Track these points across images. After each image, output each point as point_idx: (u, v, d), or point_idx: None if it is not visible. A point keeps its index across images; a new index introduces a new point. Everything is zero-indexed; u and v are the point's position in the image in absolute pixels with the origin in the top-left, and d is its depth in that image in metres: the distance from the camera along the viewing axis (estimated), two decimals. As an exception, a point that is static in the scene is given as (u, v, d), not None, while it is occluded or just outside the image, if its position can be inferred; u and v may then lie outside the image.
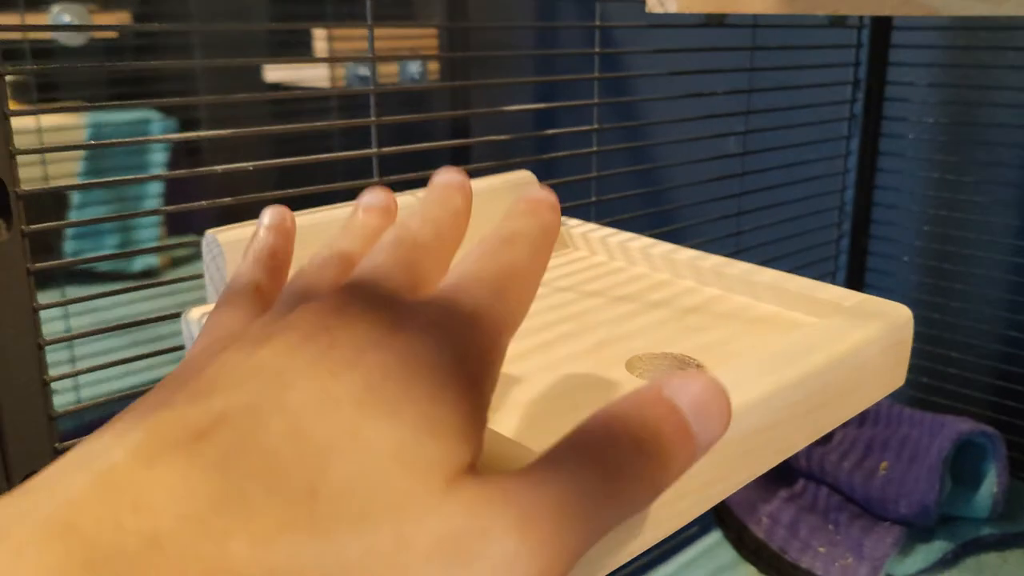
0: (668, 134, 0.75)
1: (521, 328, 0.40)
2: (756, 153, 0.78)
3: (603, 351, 0.39)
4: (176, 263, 1.73)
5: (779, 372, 0.34)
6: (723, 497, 0.33)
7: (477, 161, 0.58)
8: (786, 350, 0.36)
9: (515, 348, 0.39)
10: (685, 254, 0.49)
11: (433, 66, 1.26)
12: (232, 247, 0.42)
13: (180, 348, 0.44)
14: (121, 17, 1.65)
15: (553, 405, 0.35)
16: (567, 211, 0.60)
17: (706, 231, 0.77)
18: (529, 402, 0.35)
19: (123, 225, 1.64)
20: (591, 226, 0.55)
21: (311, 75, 1.25)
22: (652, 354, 0.39)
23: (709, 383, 0.22)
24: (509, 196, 0.53)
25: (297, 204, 0.45)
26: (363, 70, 1.22)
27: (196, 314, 0.41)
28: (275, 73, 1.28)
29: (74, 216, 1.57)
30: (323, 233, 0.45)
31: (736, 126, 0.76)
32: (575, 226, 0.55)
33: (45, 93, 1.78)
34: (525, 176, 0.55)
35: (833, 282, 0.93)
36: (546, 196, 0.27)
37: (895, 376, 0.42)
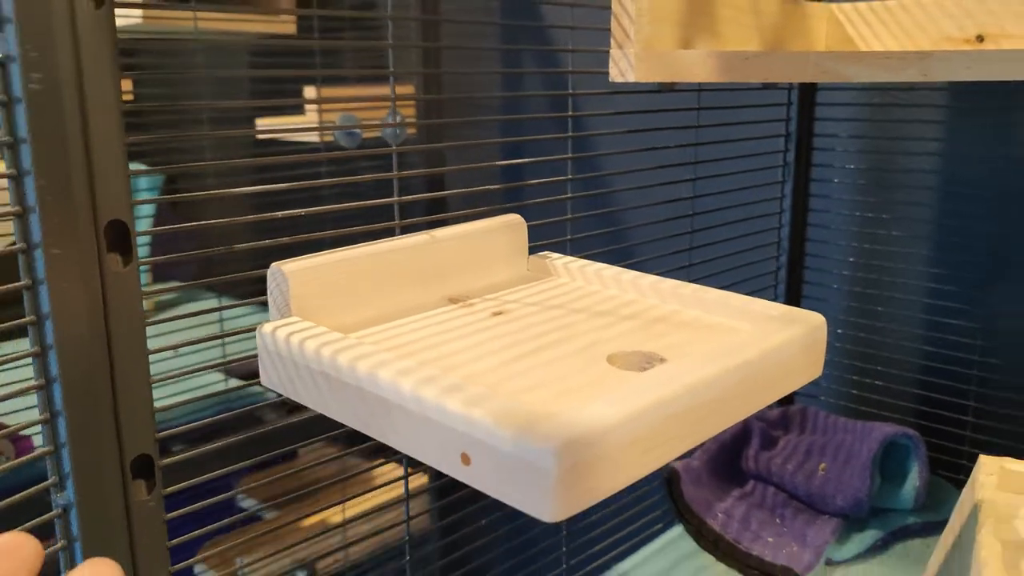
0: (629, 182, 0.88)
1: (520, 332, 0.52)
2: (704, 196, 0.91)
3: (589, 351, 0.51)
4: (159, 307, 1.81)
5: (722, 362, 0.46)
6: (683, 452, 0.45)
7: (452, 209, 0.69)
8: (728, 346, 0.48)
9: (518, 350, 0.51)
10: (648, 279, 0.61)
11: (410, 126, 1.38)
12: (295, 275, 0.53)
13: (253, 355, 0.55)
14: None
15: (554, 386, 0.46)
16: (548, 247, 0.72)
17: (663, 264, 0.89)
18: (535, 385, 0.46)
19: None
20: (570, 258, 0.67)
21: (299, 133, 1.37)
22: (627, 352, 0.51)
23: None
24: (502, 237, 0.65)
25: (283, 253, 0.56)
26: (348, 124, 1.33)
27: (269, 328, 0.52)
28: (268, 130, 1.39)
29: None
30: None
31: (686, 174, 0.89)
32: (557, 259, 0.67)
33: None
34: (515, 219, 0.67)
35: (774, 308, 1.06)
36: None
37: (812, 368, 0.54)
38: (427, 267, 0.60)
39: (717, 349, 0.48)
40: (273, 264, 0.54)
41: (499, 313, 0.57)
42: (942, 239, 0.99)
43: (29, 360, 0.45)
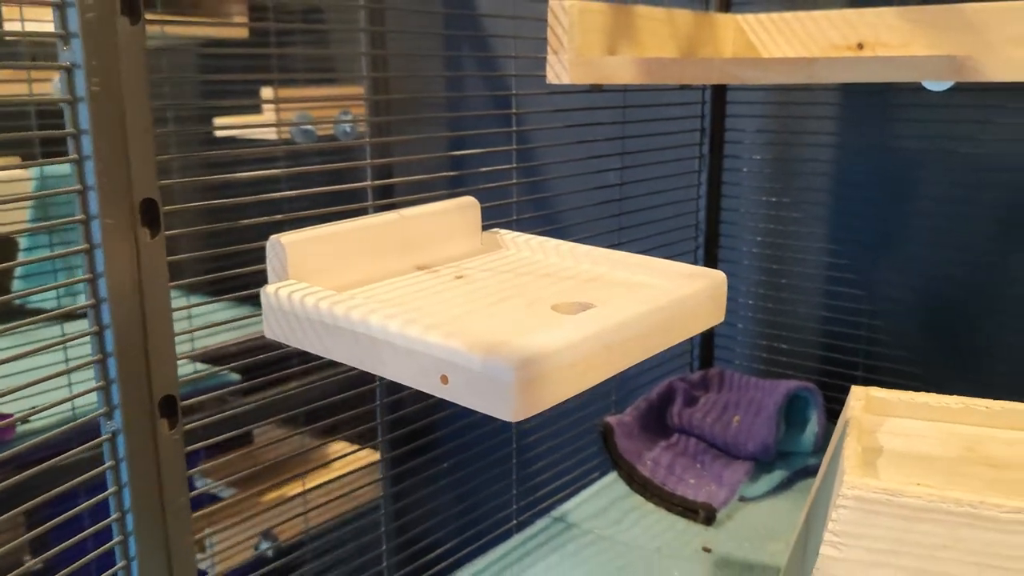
0: (565, 171, 1.00)
1: (480, 290, 0.64)
2: (631, 183, 1.04)
3: (537, 303, 0.63)
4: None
5: (641, 306, 0.59)
6: (611, 375, 0.57)
7: (405, 195, 0.81)
8: (646, 296, 0.61)
9: (479, 303, 0.63)
10: (583, 248, 0.74)
11: (362, 123, 1.48)
12: (292, 246, 0.64)
13: (258, 315, 0.66)
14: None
15: (511, 327, 0.58)
16: (497, 227, 0.84)
17: (595, 243, 1.02)
18: (495, 327, 0.58)
19: (67, 264, 1.79)
20: (517, 233, 0.79)
21: (257, 130, 1.46)
22: (567, 302, 0.63)
23: None
24: (460, 216, 0.76)
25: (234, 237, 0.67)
26: (305, 125, 1.44)
27: (272, 288, 0.62)
28: (226, 129, 1.48)
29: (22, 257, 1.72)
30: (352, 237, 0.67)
31: (614, 164, 1.02)
32: (506, 234, 0.79)
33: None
34: (470, 201, 0.78)
35: (694, 282, 1.20)
36: None
37: (716, 315, 0.66)
38: (399, 240, 0.71)
39: (637, 298, 0.60)
40: (272, 236, 0.65)
41: (460, 277, 0.69)
42: (835, 219, 1.14)
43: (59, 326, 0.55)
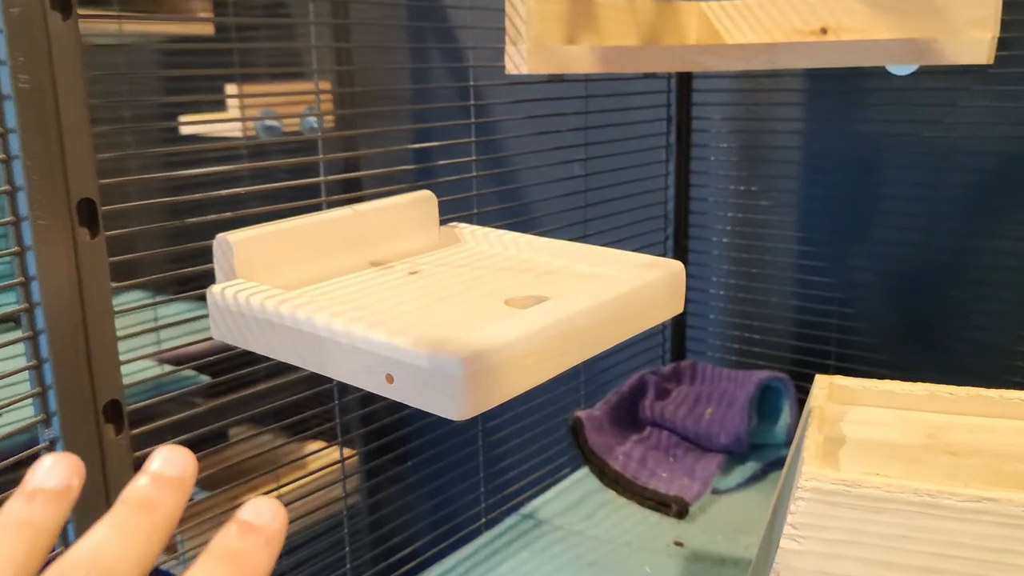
0: (526, 163, 0.98)
1: (433, 286, 0.62)
2: (596, 174, 1.02)
3: (490, 297, 0.62)
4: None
5: (594, 298, 0.57)
6: (567, 367, 0.56)
7: (368, 189, 0.79)
8: (600, 287, 0.59)
9: (432, 298, 0.61)
10: (541, 241, 0.72)
11: (328, 117, 1.47)
12: (239, 244, 0.62)
13: (205, 317, 0.64)
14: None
15: (462, 323, 0.57)
16: (458, 220, 0.82)
17: (560, 236, 1.01)
18: (446, 321, 0.57)
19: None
20: (475, 227, 0.77)
21: (224, 127, 1.44)
22: (521, 296, 0.62)
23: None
24: (416, 210, 0.75)
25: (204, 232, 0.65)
26: (269, 121, 1.42)
27: (218, 288, 0.61)
28: (190, 127, 1.46)
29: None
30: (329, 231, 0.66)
31: (578, 155, 1.00)
32: (464, 228, 0.77)
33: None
34: (427, 195, 0.77)
35: (664, 274, 1.19)
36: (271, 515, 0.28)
37: (674, 305, 0.65)
38: (352, 236, 0.70)
39: (591, 289, 0.59)
40: (219, 235, 0.63)
41: (415, 272, 0.68)
42: (805, 206, 1.13)
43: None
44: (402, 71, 1.33)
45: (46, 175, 0.52)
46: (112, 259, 0.59)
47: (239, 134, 1.43)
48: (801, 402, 1.08)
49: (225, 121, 1.44)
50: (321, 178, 0.72)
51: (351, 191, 0.82)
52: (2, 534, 0.24)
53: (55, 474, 0.26)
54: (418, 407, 0.51)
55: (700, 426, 1.06)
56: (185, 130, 1.49)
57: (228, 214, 0.68)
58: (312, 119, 1.46)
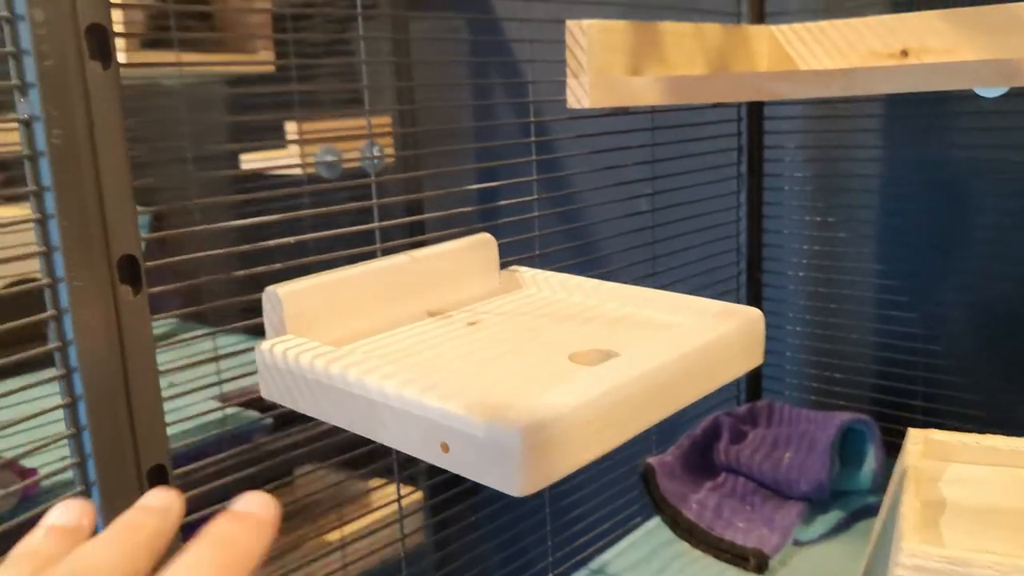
0: (591, 199, 0.94)
1: (492, 338, 0.59)
2: (663, 209, 0.98)
3: (553, 351, 0.57)
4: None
5: (665, 354, 0.53)
6: (635, 433, 0.51)
7: (432, 231, 0.76)
8: (672, 340, 0.55)
9: (490, 352, 0.57)
10: (607, 286, 0.68)
11: (389, 151, 1.45)
12: (288, 297, 0.59)
13: (252, 373, 0.61)
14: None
15: (522, 381, 0.53)
16: (520, 262, 0.78)
17: (628, 274, 0.96)
18: (505, 380, 0.53)
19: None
20: (537, 271, 0.73)
21: (285, 165, 1.43)
22: (586, 350, 0.57)
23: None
24: (475, 255, 0.71)
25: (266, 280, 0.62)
26: (329, 156, 1.40)
27: (267, 345, 0.58)
28: (251, 164, 1.45)
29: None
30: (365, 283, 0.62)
31: (645, 189, 0.96)
32: (526, 272, 0.73)
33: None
34: (486, 238, 0.73)
35: (736, 310, 1.13)
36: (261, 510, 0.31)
37: (752, 357, 0.60)
38: (408, 285, 0.67)
39: (662, 343, 0.54)
40: (268, 288, 0.60)
41: (473, 323, 0.64)
42: (886, 237, 1.06)
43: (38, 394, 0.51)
44: (463, 108, 1.30)
45: (84, 234, 0.50)
46: (157, 317, 0.56)
47: (299, 173, 1.42)
48: (887, 445, 1.01)
49: (276, 166, 1.43)
50: (375, 224, 0.69)
51: (411, 236, 0.79)
52: (10, 564, 0.28)
53: (67, 513, 0.31)
54: (476, 480, 0.47)
55: (779, 471, 1.00)
56: (247, 166, 1.48)
57: (278, 265, 0.65)
58: (372, 151, 1.44)
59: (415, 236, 0.77)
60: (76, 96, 0.49)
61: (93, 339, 0.51)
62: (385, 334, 0.62)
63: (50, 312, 0.49)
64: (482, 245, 0.73)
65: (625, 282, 0.71)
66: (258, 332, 0.62)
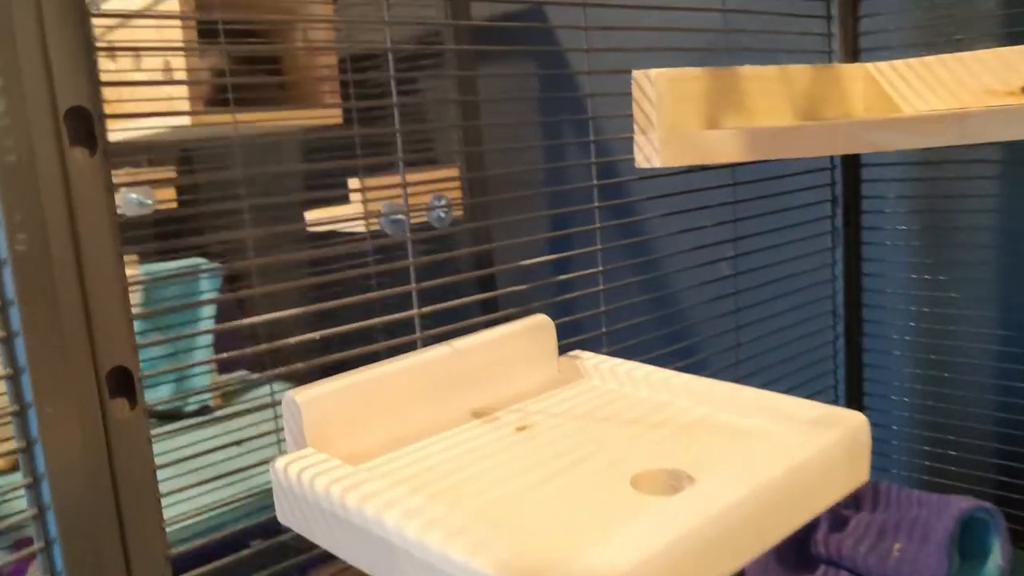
0: (666, 267, 0.85)
1: (543, 450, 0.50)
2: (747, 272, 0.87)
3: (613, 470, 0.48)
4: (227, 397, 1.84)
5: (753, 480, 0.43)
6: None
7: (502, 298, 0.68)
8: (760, 459, 0.45)
9: (539, 473, 0.48)
10: (681, 379, 0.59)
11: (459, 208, 1.38)
12: (308, 405, 0.52)
13: (268, 491, 0.53)
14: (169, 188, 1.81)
15: (572, 517, 0.43)
16: (582, 344, 0.69)
17: (707, 346, 0.86)
18: (552, 516, 0.44)
19: (176, 365, 1.74)
20: (601, 357, 0.64)
21: (349, 221, 1.38)
22: (652, 471, 0.48)
23: None
24: (528, 341, 0.63)
25: (335, 346, 0.55)
26: (392, 212, 1.34)
27: (282, 464, 0.50)
28: (315, 221, 1.40)
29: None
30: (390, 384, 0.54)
31: (726, 250, 0.86)
32: (588, 359, 0.64)
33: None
34: (542, 321, 0.65)
35: (833, 379, 1.02)
36: None
37: (856, 474, 0.50)
38: (449, 381, 0.58)
39: (747, 463, 0.45)
40: (287, 393, 0.53)
41: (523, 428, 0.55)
42: (1006, 298, 0.94)
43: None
44: (530, 168, 1.23)
45: (54, 351, 0.43)
46: (156, 432, 0.49)
47: (362, 230, 1.36)
48: (1014, 535, 0.88)
49: (336, 220, 1.37)
50: (415, 311, 0.61)
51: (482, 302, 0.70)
52: None
53: None
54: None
55: (887, 566, 0.88)
56: (311, 223, 1.43)
57: (340, 328, 0.57)
58: (440, 211, 1.37)
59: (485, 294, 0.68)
60: (51, 191, 0.43)
61: (72, 472, 0.44)
62: (420, 443, 0.54)
63: (19, 445, 0.42)
64: (537, 329, 0.64)
65: (706, 355, 0.61)
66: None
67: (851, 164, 0.98)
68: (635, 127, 0.73)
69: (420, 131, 1.41)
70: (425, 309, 0.61)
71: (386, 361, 0.56)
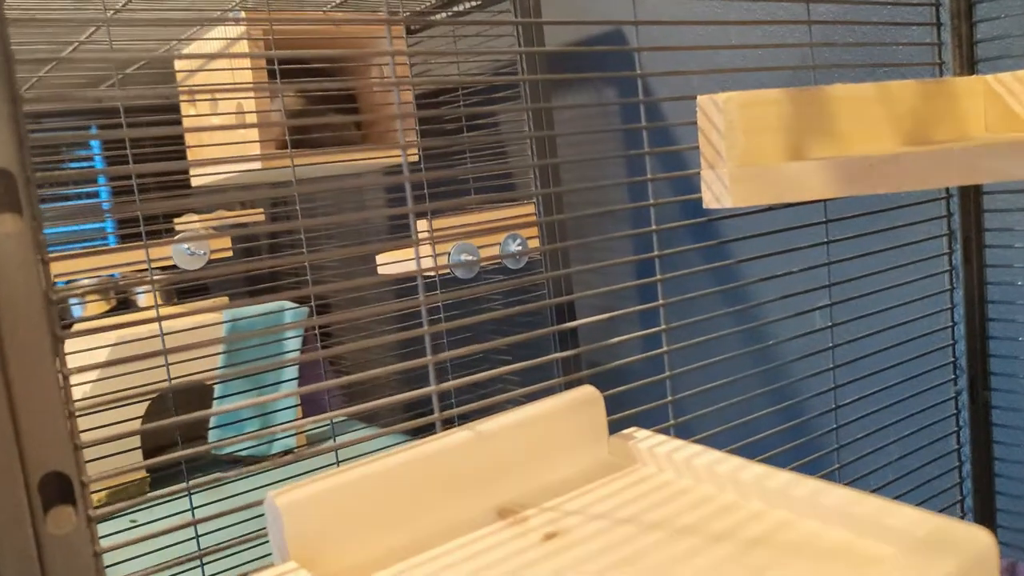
0: (746, 320, 0.74)
1: (571, 568, 0.39)
2: (845, 323, 0.75)
3: (652, 606, 0.38)
4: (310, 441, 1.80)
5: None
6: None
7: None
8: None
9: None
10: (752, 471, 0.48)
11: (534, 241, 1.29)
12: (290, 510, 0.43)
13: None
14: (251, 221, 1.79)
15: None
16: (641, 417, 0.59)
17: (797, 411, 0.74)
18: None
19: (261, 410, 1.71)
20: (659, 438, 0.54)
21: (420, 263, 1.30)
22: (704, 608, 0.37)
23: None
24: (571, 420, 0.53)
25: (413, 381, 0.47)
26: (465, 255, 1.26)
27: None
28: (386, 267, 1.33)
29: (216, 406, 1.66)
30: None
31: (820, 299, 0.74)
32: (643, 439, 0.54)
33: (186, 296, 1.93)
34: (589, 394, 0.55)
35: (956, 441, 0.87)
36: None
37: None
38: (470, 472, 0.49)
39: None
40: (268, 495, 0.44)
41: (552, 536, 0.45)
42: None
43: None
44: (607, 211, 1.13)
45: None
46: (107, 540, 0.42)
47: (432, 274, 1.28)
48: None
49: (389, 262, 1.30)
50: (433, 387, 0.52)
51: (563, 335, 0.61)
52: None
53: None
54: None
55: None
56: (382, 267, 1.37)
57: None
58: (514, 247, 1.29)
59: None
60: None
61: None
62: (428, 554, 0.45)
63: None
64: (583, 404, 0.54)
65: (796, 421, 0.50)
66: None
67: (970, 192, 0.84)
68: (702, 162, 0.62)
69: (492, 169, 1.33)
70: (452, 382, 0.52)
71: (392, 451, 0.47)
